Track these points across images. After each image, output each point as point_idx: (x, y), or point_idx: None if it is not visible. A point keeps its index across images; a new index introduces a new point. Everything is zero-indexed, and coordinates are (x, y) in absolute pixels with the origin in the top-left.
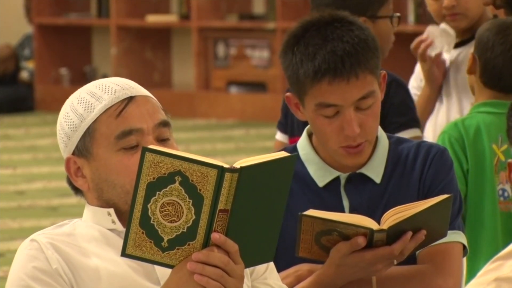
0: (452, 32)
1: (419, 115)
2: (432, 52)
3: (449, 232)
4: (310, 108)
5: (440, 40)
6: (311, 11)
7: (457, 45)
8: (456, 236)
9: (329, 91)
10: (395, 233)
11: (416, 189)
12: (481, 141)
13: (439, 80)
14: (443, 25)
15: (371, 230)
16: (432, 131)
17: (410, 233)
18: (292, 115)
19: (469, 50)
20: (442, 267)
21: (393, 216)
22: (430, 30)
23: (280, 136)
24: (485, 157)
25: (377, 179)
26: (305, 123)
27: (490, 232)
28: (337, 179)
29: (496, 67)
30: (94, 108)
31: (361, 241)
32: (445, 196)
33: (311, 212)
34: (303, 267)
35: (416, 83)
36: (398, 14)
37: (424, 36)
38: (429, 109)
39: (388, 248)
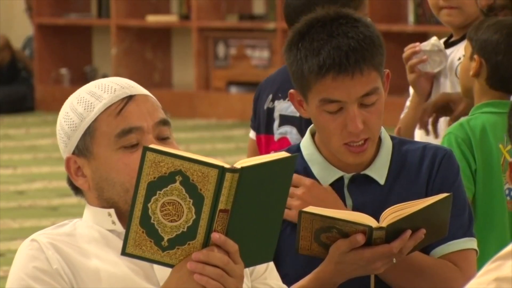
0: (443, 48)
1: (408, 123)
2: (423, 68)
3: (467, 239)
4: (314, 104)
5: (433, 59)
6: (288, 27)
7: (448, 45)
8: (473, 244)
9: (333, 87)
10: (394, 231)
11: (423, 192)
12: (488, 141)
13: (426, 90)
14: (434, 40)
15: (370, 227)
16: (419, 132)
17: (409, 232)
18: (260, 113)
19: (458, 51)
20: (466, 272)
21: (392, 214)
22: (424, 47)
23: (252, 134)
24: (492, 157)
25: (381, 181)
26: (270, 122)
27: (499, 232)
28: (340, 179)
29: (508, 69)
30: (94, 107)
31: (360, 238)
32: (445, 194)
33: (310, 208)
34: None
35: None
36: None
37: (417, 48)
38: (417, 117)
39: (387, 246)
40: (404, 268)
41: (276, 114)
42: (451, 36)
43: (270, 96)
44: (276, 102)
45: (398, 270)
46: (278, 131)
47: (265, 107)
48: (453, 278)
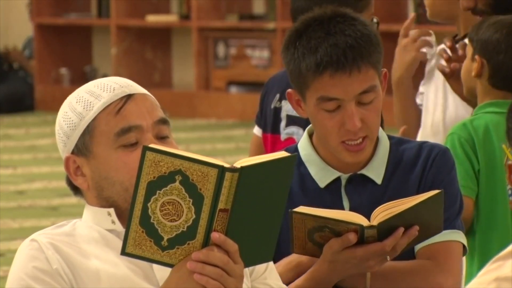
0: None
1: (404, 116)
2: (429, 52)
3: (450, 231)
4: (312, 103)
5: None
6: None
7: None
8: (457, 236)
9: (330, 84)
10: (387, 230)
11: (416, 188)
12: (491, 141)
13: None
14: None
15: (361, 226)
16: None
17: (402, 229)
18: (266, 111)
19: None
20: (443, 265)
21: (383, 212)
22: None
23: (257, 130)
24: (496, 157)
25: (378, 180)
26: (276, 122)
27: (502, 232)
28: (338, 179)
29: (510, 68)
30: (93, 106)
31: (352, 237)
32: (436, 191)
33: (301, 209)
34: (304, 256)
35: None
36: (375, 18)
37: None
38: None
39: (380, 244)
40: (381, 277)
41: (283, 114)
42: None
43: (277, 96)
44: (283, 102)
45: (376, 280)
46: (285, 131)
47: (272, 106)
48: (429, 272)
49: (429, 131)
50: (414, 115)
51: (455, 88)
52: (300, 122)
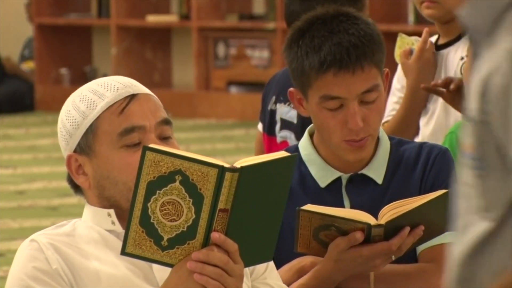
0: None
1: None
2: None
3: (452, 232)
4: (314, 101)
5: None
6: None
7: (444, 46)
8: None
9: (333, 83)
10: (393, 229)
11: (417, 189)
12: None
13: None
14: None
15: (369, 225)
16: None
17: (408, 229)
18: (265, 112)
19: (457, 50)
20: (444, 267)
21: (391, 211)
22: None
23: (261, 127)
24: None
25: (379, 180)
26: (272, 124)
27: None
28: (338, 179)
29: None
30: (96, 106)
31: (359, 236)
32: (443, 191)
33: (309, 207)
34: (306, 259)
35: (399, 85)
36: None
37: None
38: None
39: (386, 243)
40: (382, 280)
41: (277, 117)
42: (438, 38)
43: (273, 98)
44: (278, 105)
45: (378, 283)
46: (280, 134)
47: (269, 108)
48: (430, 274)
49: (429, 133)
50: (417, 125)
51: (458, 109)
52: (291, 127)
